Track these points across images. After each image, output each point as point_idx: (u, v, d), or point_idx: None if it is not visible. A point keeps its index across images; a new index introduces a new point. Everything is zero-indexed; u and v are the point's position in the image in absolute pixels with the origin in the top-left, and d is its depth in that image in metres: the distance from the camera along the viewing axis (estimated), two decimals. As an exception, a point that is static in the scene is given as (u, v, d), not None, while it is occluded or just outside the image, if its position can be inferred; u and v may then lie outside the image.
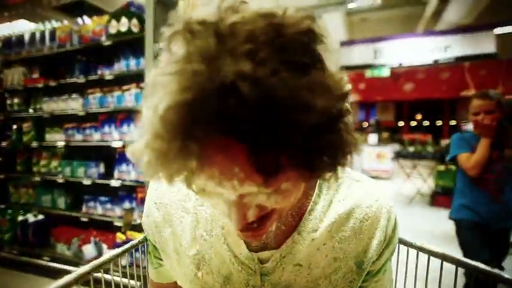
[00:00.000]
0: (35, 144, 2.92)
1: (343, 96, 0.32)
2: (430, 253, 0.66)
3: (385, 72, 7.60)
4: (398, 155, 6.54)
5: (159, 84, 0.29)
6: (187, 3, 2.32)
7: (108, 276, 0.68)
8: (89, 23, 2.66)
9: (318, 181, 0.51)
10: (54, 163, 2.89)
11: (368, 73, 8.09)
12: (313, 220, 0.50)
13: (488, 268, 0.57)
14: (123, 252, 0.74)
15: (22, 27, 3.06)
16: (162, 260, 0.61)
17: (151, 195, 0.58)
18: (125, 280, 0.75)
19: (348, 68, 7.86)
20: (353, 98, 0.35)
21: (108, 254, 0.71)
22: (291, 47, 0.29)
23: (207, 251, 0.52)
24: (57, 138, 2.83)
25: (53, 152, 2.91)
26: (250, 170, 0.30)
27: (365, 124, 12.07)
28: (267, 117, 0.27)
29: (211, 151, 0.29)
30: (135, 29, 2.41)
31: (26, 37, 3.00)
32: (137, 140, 0.33)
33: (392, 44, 7.35)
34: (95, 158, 2.70)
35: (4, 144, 3.09)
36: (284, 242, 0.50)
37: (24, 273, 2.68)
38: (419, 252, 0.72)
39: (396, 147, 7.79)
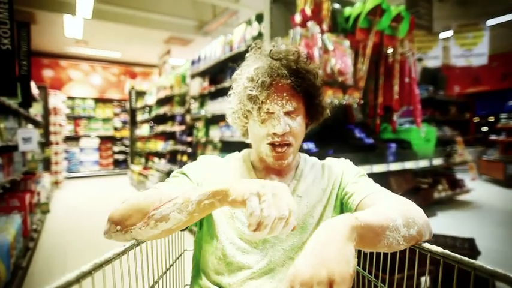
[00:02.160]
0: (203, 139, 3.67)
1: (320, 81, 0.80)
2: (430, 252, 0.61)
3: None
4: None
5: (255, 60, 0.78)
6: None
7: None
8: (235, 34, 3.04)
9: (300, 159, 0.90)
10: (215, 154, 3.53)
11: None
12: (303, 170, 0.86)
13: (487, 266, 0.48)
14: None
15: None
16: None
17: (204, 157, 0.91)
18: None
19: None
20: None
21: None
22: (303, 58, 0.78)
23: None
24: (216, 135, 3.44)
25: (214, 145, 3.56)
26: (290, 96, 0.74)
27: None
28: (300, 75, 0.74)
29: (278, 85, 0.73)
30: (264, 31, 2.52)
31: (202, 54, 3.81)
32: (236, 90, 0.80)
33: None
34: (238, 151, 3.06)
35: (190, 139, 4.08)
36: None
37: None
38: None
39: None
